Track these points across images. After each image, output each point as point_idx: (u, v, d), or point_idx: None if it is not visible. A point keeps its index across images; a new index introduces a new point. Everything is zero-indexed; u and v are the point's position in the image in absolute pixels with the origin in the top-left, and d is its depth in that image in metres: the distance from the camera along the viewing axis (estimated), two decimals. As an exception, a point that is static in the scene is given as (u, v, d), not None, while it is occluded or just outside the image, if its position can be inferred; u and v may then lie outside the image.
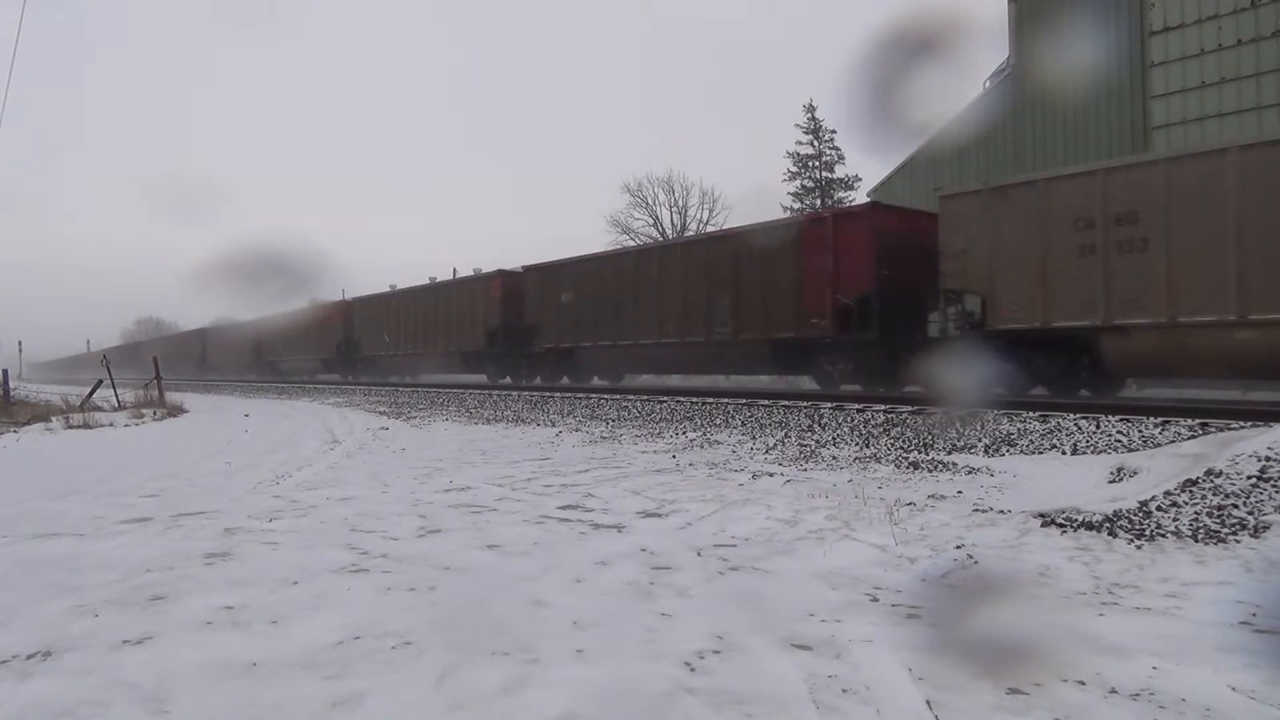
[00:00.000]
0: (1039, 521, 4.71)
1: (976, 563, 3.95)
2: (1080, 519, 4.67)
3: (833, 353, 13.83)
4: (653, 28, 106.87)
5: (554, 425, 11.56)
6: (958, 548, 4.22)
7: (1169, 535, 4.30)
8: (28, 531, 5.13)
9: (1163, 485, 5.24)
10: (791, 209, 35.61)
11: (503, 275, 22.08)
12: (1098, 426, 7.45)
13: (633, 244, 36.36)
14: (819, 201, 35.60)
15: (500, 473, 7.28)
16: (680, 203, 41.38)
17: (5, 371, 20.38)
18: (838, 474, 6.71)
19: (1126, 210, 10.22)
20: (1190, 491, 4.99)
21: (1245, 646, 2.83)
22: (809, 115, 36.19)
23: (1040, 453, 7.06)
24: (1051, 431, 7.58)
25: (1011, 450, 7.24)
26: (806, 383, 15.48)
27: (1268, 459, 5.23)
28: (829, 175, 36.32)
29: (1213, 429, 6.60)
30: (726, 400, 11.96)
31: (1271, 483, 4.89)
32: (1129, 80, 17.96)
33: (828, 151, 36.24)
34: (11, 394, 20.08)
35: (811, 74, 66.46)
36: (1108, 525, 4.51)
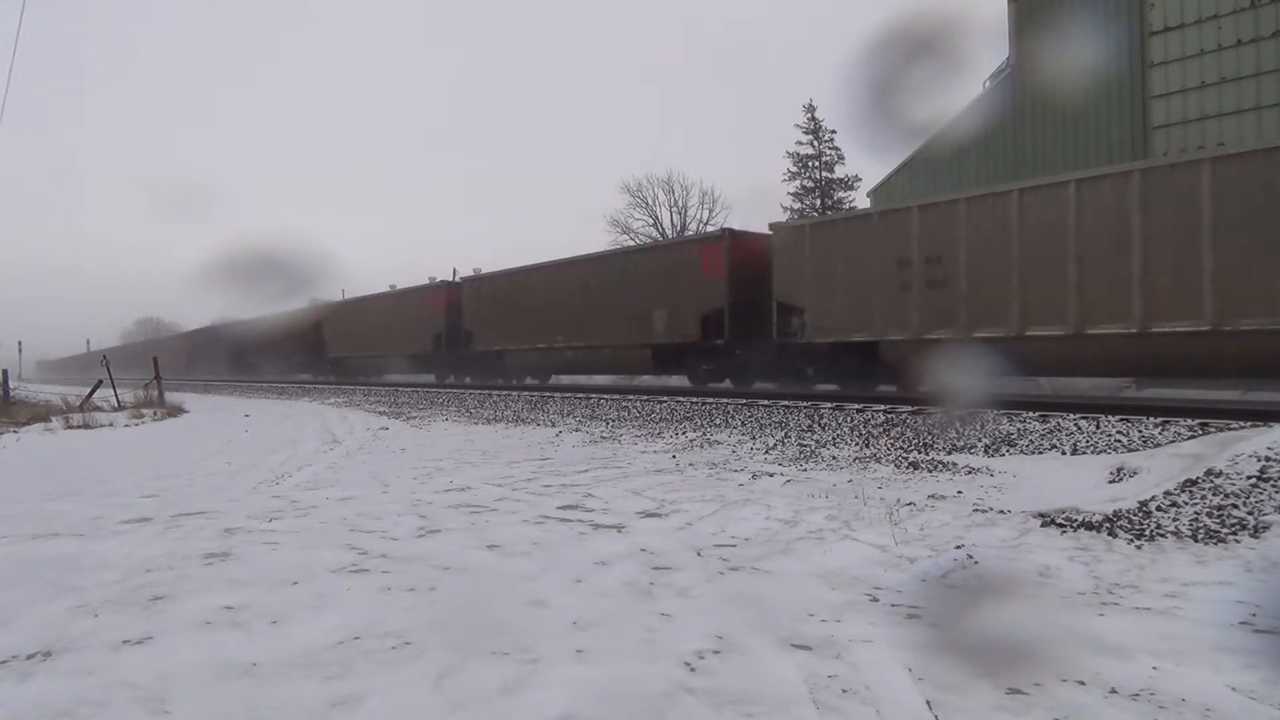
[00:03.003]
0: (1039, 521, 4.71)
1: (976, 563, 3.95)
2: (1080, 519, 4.67)
3: None
4: (652, 28, 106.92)
5: (554, 425, 11.56)
6: (958, 548, 4.22)
7: (1169, 535, 4.30)
8: (28, 531, 5.13)
9: (1163, 485, 5.24)
10: (791, 209, 35.62)
11: (730, 237, 15.59)
12: (1098, 426, 7.45)
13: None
14: (819, 202, 35.59)
15: (500, 473, 7.28)
16: (680, 203, 41.40)
17: (5, 371, 20.38)
18: (838, 474, 6.71)
19: None
20: (1190, 491, 4.99)
21: (1245, 646, 2.83)
22: (809, 115, 36.18)
23: (1040, 453, 7.06)
24: (1051, 431, 7.58)
25: (1011, 450, 7.24)
26: None
27: (1267, 459, 5.23)
28: (829, 175, 36.31)
29: (1213, 429, 6.60)
30: (726, 400, 11.96)
31: (1271, 483, 4.89)
32: (1129, 80, 17.96)
33: (828, 151, 36.21)
34: (11, 394, 20.09)
35: (811, 74, 66.45)
36: (1108, 525, 4.51)
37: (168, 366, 44.16)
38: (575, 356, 19.47)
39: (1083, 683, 2.53)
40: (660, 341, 16.81)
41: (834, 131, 35.48)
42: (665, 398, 13.11)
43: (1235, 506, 4.63)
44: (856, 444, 8.10)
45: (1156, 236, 9.95)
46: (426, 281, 26.04)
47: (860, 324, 13.14)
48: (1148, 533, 4.36)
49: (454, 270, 28.01)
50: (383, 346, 27.13)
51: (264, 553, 4.43)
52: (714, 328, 15.52)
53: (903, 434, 8.30)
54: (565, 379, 21.55)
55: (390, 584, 3.77)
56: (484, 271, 23.65)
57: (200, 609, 3.42)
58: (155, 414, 16.22)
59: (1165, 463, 5.86)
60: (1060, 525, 4.59)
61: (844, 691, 2.51)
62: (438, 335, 24.03)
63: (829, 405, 10.41)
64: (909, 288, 12.40)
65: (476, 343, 22.75)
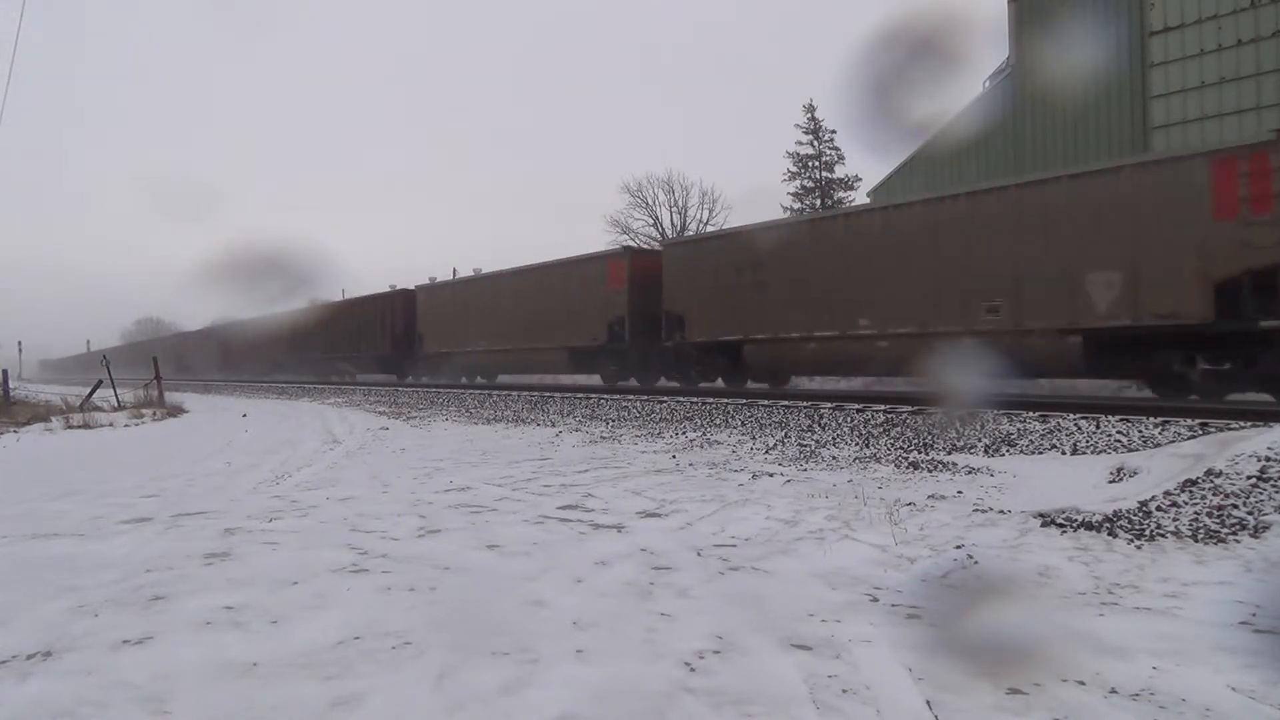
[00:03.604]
0: (1039, 521, 4.71)
1: (976, 563, 3.95)
2: (1080, 519, 4.67)
3: None
4: (653, 27, 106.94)
5: (554, 425, 11.56)
6: (958, 548, 4.22)
7: (1169, 535, 4.30)
8: (28, 531, 5.13)
9: (1163, 485, 5.24)
10: (792, 209, 35.62)
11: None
12: (1098, 426, 7.45)
13: None
14: (819, 202, 35.59)
15: (500, 473, 7.28)
16: (680, 203, 41.35)
17: (5, 371, 20.38)
18: (838, 474, 6.71)
19: None
20: (1190, 491, 4.99)
21: (1245, 646, 2.83)
22: (809, 115, 36.16)
23: (1040, 453, 7.06)
24: (1051, 431, 7.58)
25: (1011, 450, 7.23)
26: None
27: (1267, 459, 5.23)
28: (829, 175, 36.30)
29: (1213, 429, 6.59)
30: (726, 400, 11.95)
31: (1271, 483, 4.89)
32: (1129, 80, 17.96)
33: (828, 151, 36.21)
34: (11, 394, 20.09)
35: (811, 74, 66.37)
36: (1108, 525, 4.51)
37: (190, 367, 42.92)
38: (895, 350, 12.70)
39: (1083, 683, 2.53)
40: (1104, 324, 10.58)
41: (834, 131, 35.50)
42: (665, 398, 13.11)
43: (1235, 506, 4.63)
44: (856, 444, 8.10)
45: None
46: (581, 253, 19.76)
47: None
48: (1148, 533, 4.36)
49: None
50: (515, 339, 20.65)
51: (264, 553, 4.43)
52: (1241, 302, 9.37)
53: (903, 434, 8.30)
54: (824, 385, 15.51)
55: (390, 584, 3.77)
56: (698, 232, 17.51)
57: (200, 609, 3.42)
58: (155, 414, 16.22)
59: (1165, 463, 5.86)
60: (1060, 525, 4.59)
61: (844, 691, 2.51)
62: (615, 322, 17.50)
63: (829, 405, 10.41)
64: None
65: (690, 330, 16.25)
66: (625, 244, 18.32)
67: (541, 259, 20.81)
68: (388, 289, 27.60)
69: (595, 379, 19.23)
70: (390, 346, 26.17)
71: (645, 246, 18.23)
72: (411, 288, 26.56)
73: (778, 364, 15.31)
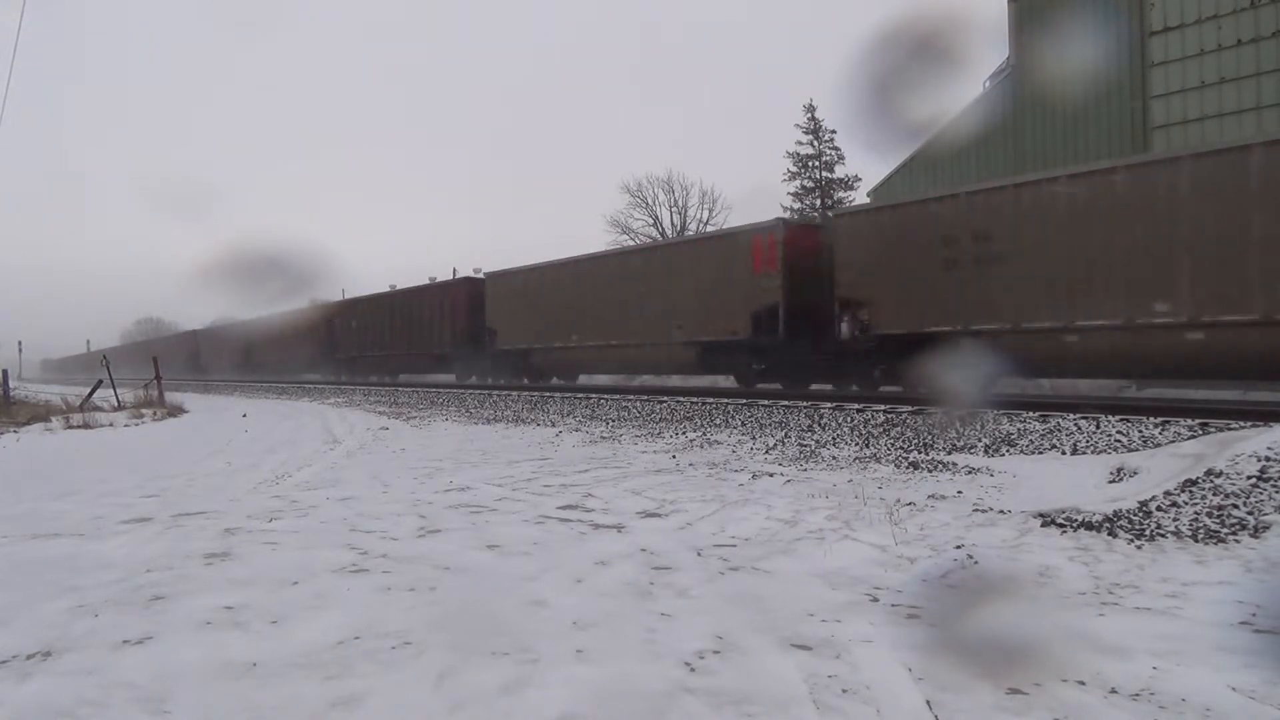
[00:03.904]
0: (1039, 521, 4.71)
1: (976, 563, 3.95)
2: (1080, 519, 4.67)
3: None
4: (653, 27, 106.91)
5: (554, 425, 11.56)
6: (958, 548, 4.22)
7: (1169, 535, 4.30)
8: (28, 531, 5.13)
9: (1163, 485, 5.24)
10: (792, 209, 35.61)
11: None
12: (1098, 426, 7.45)
13: None
14: (819, 202, 35.59)
15: (500, 473, 7.28)
16: (680, 203, 41.36)
17: (5, 371, 20.38)
18: (838, 474, 6.71)
19: None
20: (1190, 491, 4.99)
21: (1245, 646, 2.83)
22: (809, 115, 36.14)
23: (1040, 453, 7.06)
24: (1051, 431, 7.58)
25: (1011, 450, 7.23)
26: None
27: (1268, 459, 5.23)
28: (829, 175, 36.29)
29: (1213, 429, 6.60)
30: (726, 400, 11.95)
31: (1271, 483, 4.89)
32: (1129, 80, 17.95)
33: (828, 151, 36.18)
34: (11, 394, 20.09)
35: (811, 74, 66.31)
36: (1108, 525, 4.51)
37: (204, 367, 42.12)
38: (1217, 344, 9.54)
39: (1083, 683, 2.53)
40: None
41: (834, 131, 35.47)
42: (665, 397, 13.11)
43: (1235, 506, 4.63)
44: (856, 444, 8.10)
45: None
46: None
47: None
48: (1148, 533, 4.36)
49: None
50: (621, 332, 17.36)
51: (264, 553, 4.43)
52: None
53: (903, 434, 8.30)
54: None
55: (390, 584, 3.77)
56: (870, 204, 13.41)
57: (200, 609, 3.42)
58: (155, 414, 16.22)
59: (1165, 463, 5.86)
60: (1060, 525, 4.59)
61: (844, 691, 2.51)
62: (764, 311, 14.23)
63: (829, 405, 10.41)
64: None
65: (876, 319, 12.94)
66: (780, 217, 14.75)
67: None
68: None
69: (723, 381, 16.54)
70: (450, 343, 22.91)
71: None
72: (478, 275, 23.12)
73: (1015, 363, 11.54)
